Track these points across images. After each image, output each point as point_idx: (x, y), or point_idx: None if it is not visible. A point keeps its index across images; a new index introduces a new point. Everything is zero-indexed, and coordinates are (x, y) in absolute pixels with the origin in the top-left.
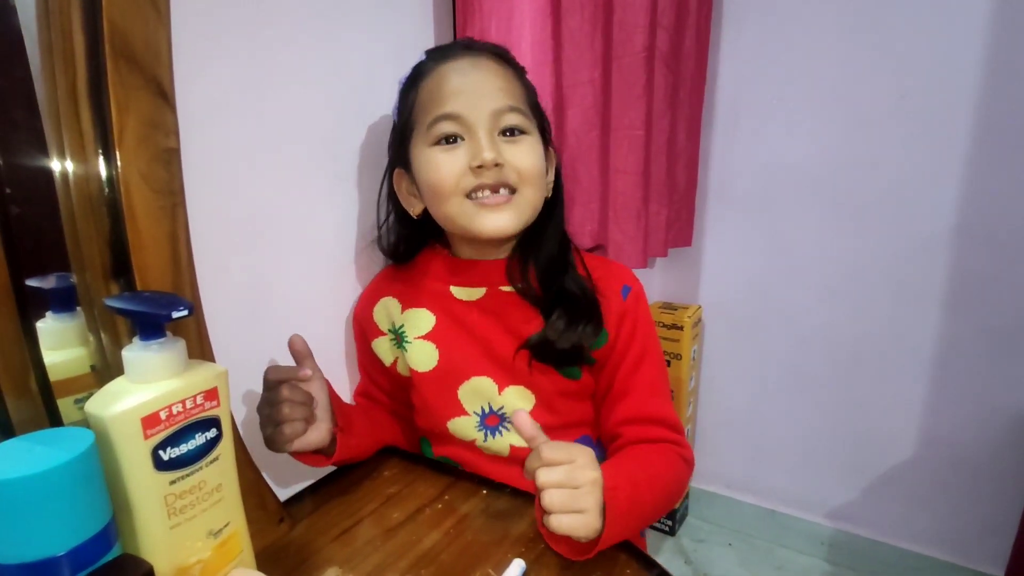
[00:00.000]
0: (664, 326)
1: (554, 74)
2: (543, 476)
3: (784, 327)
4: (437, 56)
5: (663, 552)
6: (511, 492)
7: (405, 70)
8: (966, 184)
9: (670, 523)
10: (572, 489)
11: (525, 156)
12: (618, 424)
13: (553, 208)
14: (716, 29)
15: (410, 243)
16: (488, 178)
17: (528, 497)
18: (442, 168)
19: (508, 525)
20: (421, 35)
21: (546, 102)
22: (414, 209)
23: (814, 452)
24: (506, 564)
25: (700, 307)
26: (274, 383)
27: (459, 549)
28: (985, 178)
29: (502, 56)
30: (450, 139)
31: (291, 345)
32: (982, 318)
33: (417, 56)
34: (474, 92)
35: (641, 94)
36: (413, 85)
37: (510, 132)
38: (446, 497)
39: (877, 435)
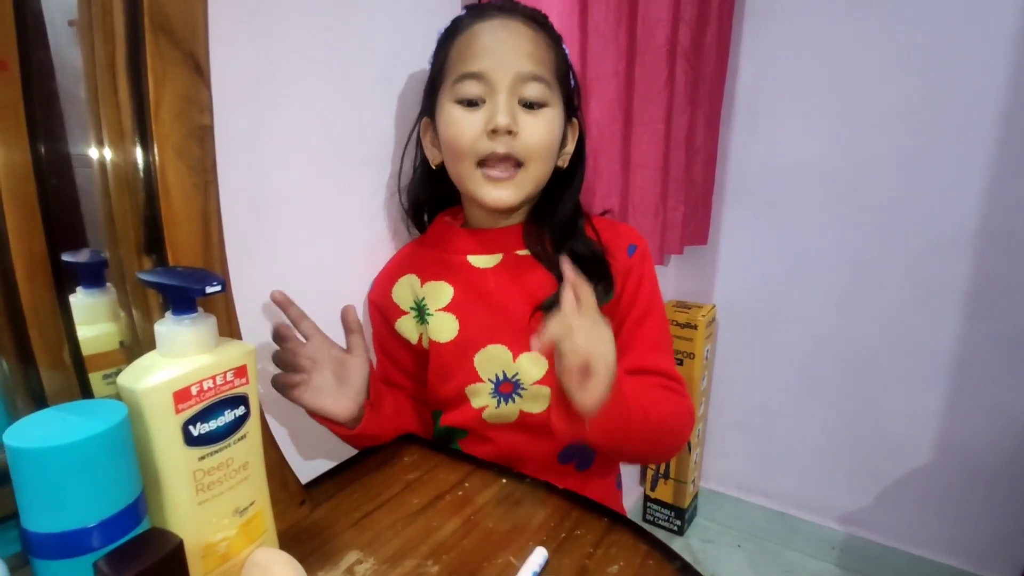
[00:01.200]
0: (678, 324)
1: (580, 64)
2: (567, 320)
3: (798, 328)
4: (474, 13)
5: None
6: (531, 482)
7: (430, 52)
8: (987, 187)
9: (679, 523)
10: (596, 332)
11: (538, 129)
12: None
13: (572, 177)
14: (737, 26)
15: (429, 200)
16: (500, 146)
17: (548, 486)
18: (461, 127)
19: (528, 514)
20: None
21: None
22: (434, 160)
23: (826, 455)
24: (527, 552)
25: (714, 306)
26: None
27: (479, 537)
28: (1008, 181)
29: (538, 21)
30: (472, 101)
31: (344, 315)
32: (999, 324)
33: None
34: (501, 53)
35: (663, 88)
36: (448, 39)
37: (529, 105)
38: (466, 484)
39: (891, 440)
